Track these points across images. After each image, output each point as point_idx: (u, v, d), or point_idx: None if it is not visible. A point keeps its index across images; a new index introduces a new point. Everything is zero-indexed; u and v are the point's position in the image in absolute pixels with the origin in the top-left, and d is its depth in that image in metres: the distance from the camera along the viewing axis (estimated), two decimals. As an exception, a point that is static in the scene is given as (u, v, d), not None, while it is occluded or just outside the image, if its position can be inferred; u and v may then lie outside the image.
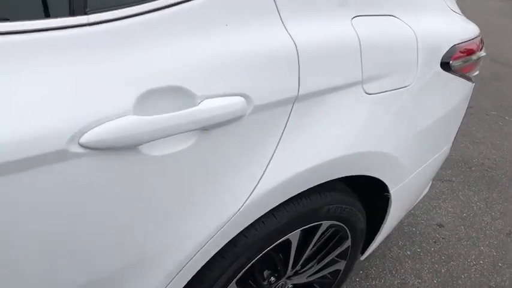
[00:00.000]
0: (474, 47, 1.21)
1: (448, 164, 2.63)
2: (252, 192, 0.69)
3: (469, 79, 1.25)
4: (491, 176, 2.55)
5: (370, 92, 0.85)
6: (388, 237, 1.90)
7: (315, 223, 0.97)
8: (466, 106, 1.36)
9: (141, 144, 0.54)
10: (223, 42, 0.62)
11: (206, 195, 0.65)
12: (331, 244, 1.12)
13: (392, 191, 1.08)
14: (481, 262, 1.86)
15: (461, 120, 1.35)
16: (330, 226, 1.05)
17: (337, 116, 0.79)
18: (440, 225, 2.05)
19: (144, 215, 0.60)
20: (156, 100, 0.54)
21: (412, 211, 2.11)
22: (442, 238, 1.96)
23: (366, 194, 1.14)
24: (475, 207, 2.23)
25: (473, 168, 2.62)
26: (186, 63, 0.57)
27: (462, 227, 2.06)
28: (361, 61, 0.81)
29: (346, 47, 0.78)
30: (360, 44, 0.81)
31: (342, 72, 0.78)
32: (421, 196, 1.52)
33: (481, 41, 1.30)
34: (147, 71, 0.54)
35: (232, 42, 0.63)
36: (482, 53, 1.29)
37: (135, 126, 0.52)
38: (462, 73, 1.17)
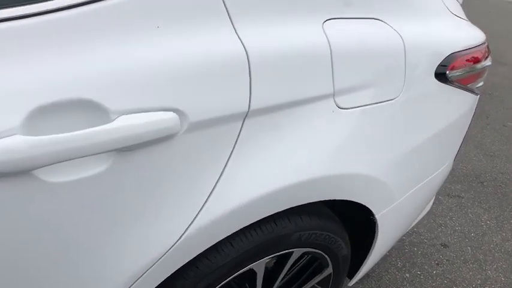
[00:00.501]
0: (478, 55, 1.08)
1: (458, 178, 2.47)
2: (190, 224, 0.59)
3: (471, 91, 1.12)
4: (505, 193, 2.38)
5: (344, 106, 0.74)
6: (386, 258, 1.76)
7: (285, 251, 0.86)
8: (470, 120, 1.23)
9: (36, 169, 0.45)
10: (151, 47, 0.52)
11: (129, 228, 0.55)
12: (308, 272, 1.01)
13: (379, 215, 0.97)
14: (488, 288, 1.71)
15: (463, 135, 1.22)
16: (306, 253, 0.94)
17: (301, 134, 0.69)
18: (445, 246, 1.90)
19: (52, 250, 0.51)
20: (54, 116, 0.45)
21: (415, 229, 1.97)
22: (446, 260, 1.81)
23: (351, 216, 1.03)
24: (484, 226, 2.07)
25: (485, 184, 2.45)
26: (98, 73, 0.48)
27: (469, 247, 1.90)
28: (332, 71, 0.70)
29: (312, 54, 0.68)
30: (331, 51, 0.70)
31: (306, 83, 0.67)
32: (421, 216, 1.39)
33: (487, 49, 1.17)
34: (43, 82, 0.45)
35: (163, 48, 0.53)
36: (488, 62, 1.15)
37: (24, 148, 0.43)
38: (462, 84, 1.04)
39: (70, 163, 0.47)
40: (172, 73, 0.53)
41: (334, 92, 0.72)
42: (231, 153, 0.61)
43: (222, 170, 0.60)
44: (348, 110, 0.75)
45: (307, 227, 0.86)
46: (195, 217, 0.59)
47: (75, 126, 0.47)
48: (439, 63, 0.93)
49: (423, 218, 2.04)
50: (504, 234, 2.03)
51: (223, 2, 0.60)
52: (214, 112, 0.57)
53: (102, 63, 0.48)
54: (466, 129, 1.22)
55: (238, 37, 0.60)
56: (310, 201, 0.74)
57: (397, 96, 0.84)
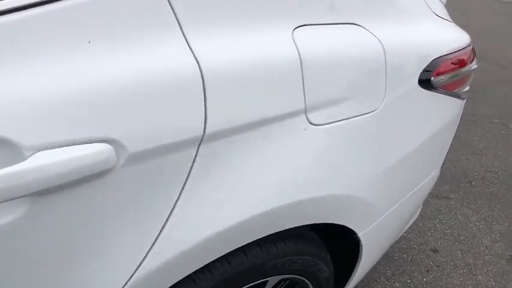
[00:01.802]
0: (464, 58, 1.02)
1: (447, 178, 2.43)
2: (136, 271, 0.50)
3: (457, 96, 1.06)
4: (493, 192, 2.34)
5: (317, 123, 0.66)
6: (375, 267, 1.70)
7: (258, 281, 0.79)
8: (456, 126, 1.17)
9: None
10: (78, 67, 0.44)
11: (57, 281, 0.47)
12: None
13: (362, 233, 0.89)
14: (478, 295, 1.66)
15: (450, 142, 1.16)
16: (283, 279, 0.86)
17: (269, 157, 0.61)
18: (435, 251, 1.84)
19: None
20: None
21: (405, 234, 1.91)
22: (436, 266, 1.76)
23: (336, 234, 0.95)
24: (473, 228, 2.03)
25: (473, 183, 2.41)
26: (5, 102, 0.39)
27: (459, 251, 1.85)
28: (303, 84, 0.63)
29: (279, 66, 0.60)
30: (301, 62, 0.62)
31: (272, 99, 0.60)
32: (409, 225, 1.33)
33: (473, 52, 1.11)
34: None
35: (94, 67, 0.45)
36: (474, 65, 1.09)
37: None
38: (448, 90, 0.98)
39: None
40: (105, 97, 0.44)
41: (305, 108, 0.64)
42: (183, 187, 0.52)
43: (172, 207, 0.52)
44: (323, 127, 0.67)
45: (282, 254, 0.78)
46: (141, 263, 0.50)
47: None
48: (423, 69, 0.86)
49: (412, 222, 1.98)
50: (493, 235, 1.98)
51: (173, 10, 0.51)
52: (161, 139, 0.48)
53: (7, 89, 0.39)
54: (453, 135, 1.16)
55: (191, 50, 0.52)
56: (280, 230, 0.66)
57: (377, 108, 0.76)
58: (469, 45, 1.07)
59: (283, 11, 0.63)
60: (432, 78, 0.88)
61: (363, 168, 0.77)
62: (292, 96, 0.62)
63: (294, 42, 0.62)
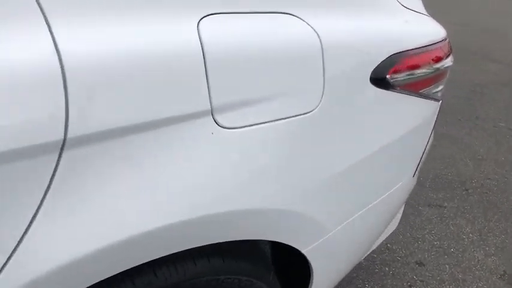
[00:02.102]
0: (433, 55, 0.91)
1: (442, 185, 2.29)
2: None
3: (428, 97, 0.95)
4: (491, 201, 2.20)
5: (229, 126, 0.57)
6: (352, 280, 1.59)
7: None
8: (430, 130, 1.06)
9: None
10: None
11: None
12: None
13: (306, 250, 0.79)
14: (465, 314, 1.54)
15: (423, 148, 1.05)
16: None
17: (162, 164, 0.51)
18: (420, 264, 1.72)
19: None
20: None
21: (389, 245, 1.80)
22: (420, 281, 1.64)
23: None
24: (466, 240, 1.89)
25: (470, 191, 2.27)
26: None
27: (447, 265, 1.73)
28: (208, 81, 0.53)
29: (175, 61, 0.51)
30: (205, 57, 0.53)
31: (166, 99, 0.50)
32: (382, 238, 1.22)
33: (448, 47, 1.00)
34: None
35: None
36: (448, 63, 0.98)
37: None
38: (411, 90, 0.87)
39: None
40: None
41: (212, 109, 0.54)
42: (41, 201, 0.44)
43: (26, 226, 0.43)
44: (237, 130, 0.57)
45: (204, 273, 0.69)
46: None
47: None
48: (376, 65, 0.76)
49: (398, 232, 1.86)
50: (487, 248, 1.85)
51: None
52: (7, 144, 0.40)
53: None
54: (426, 140, 1.05)
55: (55, 43, 0.43)
56: (183, 249, 0.57)
57: (313, 109, 0.66)
58: (442, 40, 0.96)
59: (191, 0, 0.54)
60: (388, 77, 0.78)
61: (296, 178, 0.67)
62: (193, 96, 0.52)
63: (199, 34, 0.53)
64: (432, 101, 0.98)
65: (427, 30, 0.93)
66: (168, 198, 0.53)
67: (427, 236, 1.89)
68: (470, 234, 1.93)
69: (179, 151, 0.53)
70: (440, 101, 1.05)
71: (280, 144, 0.63)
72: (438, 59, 0.92)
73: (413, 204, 2.08)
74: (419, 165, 1.08)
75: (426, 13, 1.06)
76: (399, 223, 1.93)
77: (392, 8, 0.87)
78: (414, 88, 0.88)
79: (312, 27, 0.66)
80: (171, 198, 0.53)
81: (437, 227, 1.95)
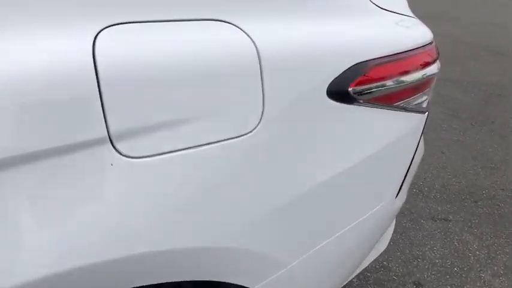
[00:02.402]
0: (411, 63, 0.80)
1: (448, 196, 2.14)
2: None
3: (406, 110, 0.83)
4: (502, 214, 2.03)
5: (136, 155, 0.48)
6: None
7: None
8: (414, 146, 0.94)
9: None
10: None
11: None
12: None
13: (257, 287, 0.70)
14: None
15: (406, 166, 0.93)
16: None
17: (49, 200, 0.43)
18: (419, 284, 1.59)
19: None
20: None
21: (385, 263, 1.67)
22: (417, 303, 1.51)
23: None
24: (472, 258, 1.74)
25: (479, 203, 2.11)
26: None
27: (448, 287, 1.59)
28: (102, 104, 0.44)
29: (65, 84, 0.42)
30: (98, 76, 0.44)
31: (52, 126, 0.42)
32: (366, 263, 1.11)
33: (433, 53, 0.88)
34: None
35: None
36: (432, 70, 0.86)
37: None
38: (386, 103, 0.76)
39: None
40: None
41: (109, 135, 0.46)
42: None
43: None
44: (146, 160, 0.48)
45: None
46: None
47: None
48: (334, 77, 0.65)
49: (396, 249, 1.74)
50: (495, 268, 1.70)
51: None
52: None
53: None
54: (410, 157, 0.93)
55: None
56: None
57: (250, 131, 0.57)
58: (425, 46, 0.84)
59: (89, 7, 0.45)
60: (350, 89, 0.67)
61: (233, 210, 0.58)
62: (86, 122, 0.44)
63: (93, 49, 0.44)
64: (414, 114, 0.87)
65: (405, 34, 0.82)
66: (58, 242, 0.44)
67: (428, 253, 1.75)
68: (477, 252, 1.78)
69: (72, 185, 0.44)
70: (427, 112, 0.93)
71: (207, 173, 0.54)
72: (418, 67, 0.81)
73: (414, 217, 1.95)
74: (404, 185, 0.96)
75: (411, 14, 0.94)
76: (400, 238, 1.81)
77: (362, 10, 0.76)
78: (388, 101, 0.76)
79: (248, 36, 0.56)
80: (59, 242, 0.44)
81: (440, 243, 1.81)
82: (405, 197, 1.06)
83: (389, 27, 0.80)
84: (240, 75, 0.54)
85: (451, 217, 1.99)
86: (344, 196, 0.76)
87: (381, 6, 0.81)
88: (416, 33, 0.86)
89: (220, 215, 0.56)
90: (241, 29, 0.56)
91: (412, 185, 2.17)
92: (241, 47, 0.55)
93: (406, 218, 1.93)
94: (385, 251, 1.23)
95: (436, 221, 1.96)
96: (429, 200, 2.10)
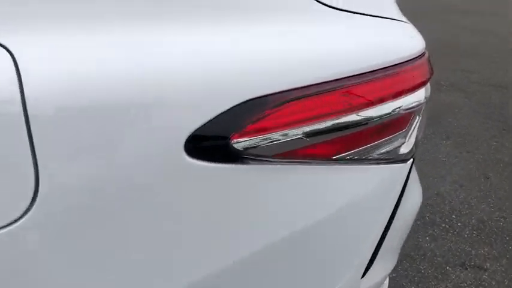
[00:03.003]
0: (367, 91, 0.51)
1: (487, 235, 1.74)
2: None
3: (371, 162, 0.54)
4: (559, 266, 1.59)
5: None
6: None
7: None
8: (388, 208, 0.64)
9: None
10: None
11: None
12: None
13: None
14: None
15: (375, 237, 0.64)
16: None
17: None
18: None
19: None
20: None
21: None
22: None
23: None
24: (510, 324, 1.36)
25: (528, 247, 1.68)
26: None
27: None
28: None
29: None
30: None
31: None
32: None
33: (422, 71, 0.58)
34: None
35: None
36: (414, 99, 0.56)
37: None
38: (321, 158, 0.48)
39: None
40: None
41: None
42: None
43: None
44: None
45: None
46: None
47: None
48: (201, 123, 0.40)
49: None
50: None
51: None
52: None
53: None
54: (382, 223, 0.64)
55: None
56: None
57: (18, 218, 0.33)
58: (400, 64, 0.55)
59: None
60: (234, 141, 0.41)
61: None
62: None
63: None
64: (383, 166, 0.57)
65: (367, 47, 0.53)
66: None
67: (451, 313, 1.39)
68: (518, 316, 1.39)
69: None
70: (410, 160, 0.63)
71: None
72: (382, 98, 0.52)
73: (438, 262, 1.58)
74: (375, 261, 0.67)
75: (403, 19, 0.64)
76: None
77: (287, 11, 0.49)
78: (322, 152, 0.49)
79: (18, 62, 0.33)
80: None
81: (469, 300, 1.44)
82: (388, 271, 0.77)
83: (338, 38, 0.51)
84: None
85: (487, 265, 1.59)
86: (291, 272, 0.49)
87: (334, 5, 0.52)
88: (389, 44, 0.56)
89: None
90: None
91: (442, 218, 1.80)
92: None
93: (426, 262, 1.57)
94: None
95: (467, 268, 1.57)
96: (461, 239, 1.70)
